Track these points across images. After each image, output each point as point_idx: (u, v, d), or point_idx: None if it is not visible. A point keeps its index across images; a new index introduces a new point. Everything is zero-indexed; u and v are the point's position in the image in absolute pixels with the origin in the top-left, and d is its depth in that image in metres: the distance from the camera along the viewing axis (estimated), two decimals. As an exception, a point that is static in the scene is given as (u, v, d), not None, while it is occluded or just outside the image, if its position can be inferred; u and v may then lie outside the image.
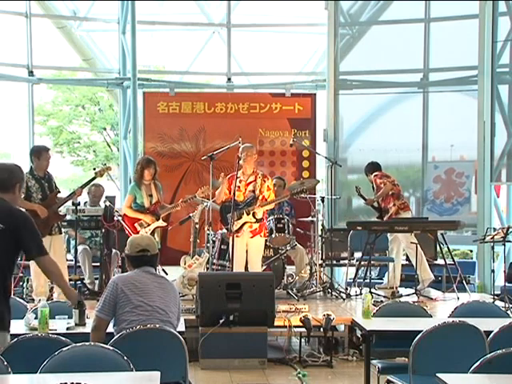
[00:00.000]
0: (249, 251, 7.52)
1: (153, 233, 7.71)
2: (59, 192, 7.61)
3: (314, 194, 9.04)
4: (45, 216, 7.28)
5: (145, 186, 7.85)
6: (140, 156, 10.59)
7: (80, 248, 8.25)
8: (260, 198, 7.48)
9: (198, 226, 7.88)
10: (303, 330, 6.54)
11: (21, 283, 8.06)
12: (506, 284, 8.75)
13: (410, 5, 10.87)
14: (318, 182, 9.54)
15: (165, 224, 7.92)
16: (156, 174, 7.90)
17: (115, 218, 7.66)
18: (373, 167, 8.84)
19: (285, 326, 6.53)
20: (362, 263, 8.52)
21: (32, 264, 7.42)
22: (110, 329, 4.25)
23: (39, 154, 7.47)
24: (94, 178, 7.71)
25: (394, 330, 4.76)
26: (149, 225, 7.75)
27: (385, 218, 8.49)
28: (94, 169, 7.88)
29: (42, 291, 7.34)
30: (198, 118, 10.39)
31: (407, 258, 8.90)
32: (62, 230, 7.76)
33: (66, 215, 7.72)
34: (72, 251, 8.06)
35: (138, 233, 7.64)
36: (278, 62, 15.56)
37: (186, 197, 7.93)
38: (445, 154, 10.79)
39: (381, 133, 10.87)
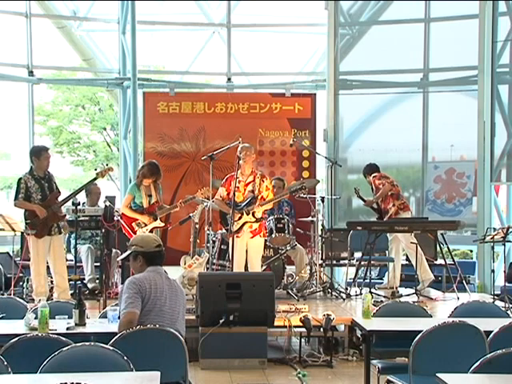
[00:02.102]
0: (249, 251, 7.52)
1: (151, 233, 7.71)
2: (59, 193, 7.61)
3: (314, 194, 9.04)
4: (44, 216, 7.29)
5: (144, 187, 7.86)
6: (140, 156, 10.61)
7: (84, 247, 8.26)
8: (259, 197, 7.49)
9: (197, 226, 7.88)
10: (303, 329, 6.54)
11: (21, 283, 8.05)
12: (506, 284, 8.75)
13: (410, 5, 10.87)
14: (318, 181, 9.54)
15: (162, 224, 7.91)
16: (158, 180, 7.89)
17: (115, 218, 7.66)
18: (371, 169, 8.85)
19: (285, 326, 6.53)
20: (362, 263, 8.52)
21: (32, 264, 7.44)
22: (112, 329, 4.25)
23: (39, 154, 7.48)
24: (95, 179, 7.71)
25: (394, 330, 4.75)
26: (146, 225, 7.75)
27: (385, 219, 8.49)
28: (96, 169, 7.87)
29: (41, 291, 7.35)
30: (197, 117, 10.39)
31: (407, 258, 8.91)
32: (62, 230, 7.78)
33: (65, 215, 7.72)
34: (72, 251, 8.05)
35: (135, 233, 7.64)
36: (278, 62, 15.58)
37: (186, 197, 7.93)
38: (445, 154, 10.79)
39: (381, 133, 10.87)
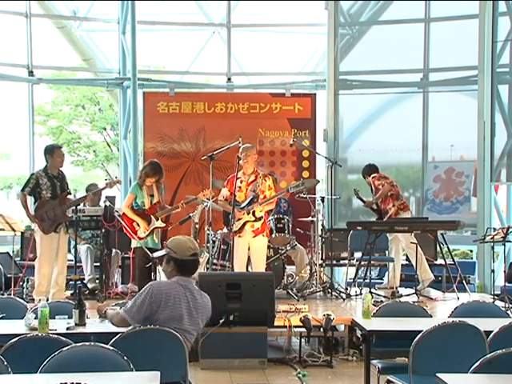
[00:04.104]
0: (252, 251, 7.49)
1: (151, 233, 7.69)
2: (70, 193, 7.70)
3: (314, 194, 9.04)
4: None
5: (146, 187, 7.82)
6: (140, 156, 10.61)
7: (84, 247, 8.27)
8: (261, 197, 7.47)
9: (197, 226, 7.87)
10: (303, 330, 6.53)
11: (21, 283, 8.06)
12: (506, 284, 8.75)
13: (410, 5, 10.87)
14: (318, 181, 9.54)
15: (163, 225, 7.87)
16: (160, 180, 7.87)
17: (115, 218, 7.66)
18: (370, 169, 8.85)
19: (285, 326, 6.53)
20: (362, 263, 8.52)
21: (37, 263, 7.47)
22: (112, 329, 4.25)
23: (52, 151, 7.61)
24: (104, 188, 7.94)
25: (394, 330, 4.75)
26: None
27: (384, 219, 8.49)
28: (106, 179, 8.06)
29: (42, 290, 7.37)
30: (197, 117, 10.39)
31: (407, 258, 8.91)
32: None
33: (72, 216, 7.75)
34: (72, 251, 8.05)
35: (136, 233, 7.60)
36: (278, 61, 15.57)
37: (188, 197, 7.91)
38: (445, 153, 10.80)
39: (381, 133, 10.87)
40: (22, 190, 7.58)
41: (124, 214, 7.72)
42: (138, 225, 7.68)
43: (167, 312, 3.99)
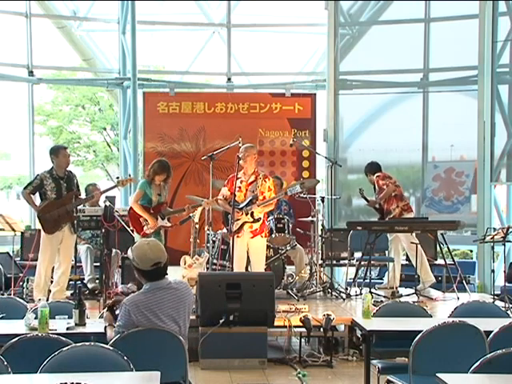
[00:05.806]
0: (250, 252, 7.47)
1: (158, 231, 7.64)
2: (79, 194, 7.67)
3: (314, 194, 9.04)
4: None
5: (155, 185, 7.74)
6: (140, 156, 10.61)
7: (84, 247, 8.27)
8: (261, 198, 7.46)
9: (197, 226, 7.86)
10: (303, 330, 6.54)
11: (21, 283, 8.06)
12: (506, 284, 8.74)
13: (410, 5, 10.88)
14: (318, 181, 9.53)
15: (169, 224, 7.84)
16: (168, 179, 7.80)
17: (115, 218, 7.64)
18: (373, 168, 8.83)
19: (285, 326, 6.53)
20: (362, 263, 8.52)
21: (39, 263, 7.48)
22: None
23: (57, 152, 7.61)
24: (115, 186, 7.83)
25: (394, 330, 4.76)
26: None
27: (387, 219, 8.47)
28: (118, 177, 7.99)
29: (40, 289, 7.38)
30: (197, 117, 10.39)
31: (407, 258, 8.90)
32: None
33: (78, 216, 7.73)
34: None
35: (143, 228, 7.53)
36: (278, 62, 15.57)
37: (190, 197, 7.89)
38: (445, 153, 10.80)
39: (381, 133, 10.87)
40: (25, 188, 7.60)
41: (132, 210, 7.64)
42: (146, 221, 7.59)
43: (147, 314, 3.96)
